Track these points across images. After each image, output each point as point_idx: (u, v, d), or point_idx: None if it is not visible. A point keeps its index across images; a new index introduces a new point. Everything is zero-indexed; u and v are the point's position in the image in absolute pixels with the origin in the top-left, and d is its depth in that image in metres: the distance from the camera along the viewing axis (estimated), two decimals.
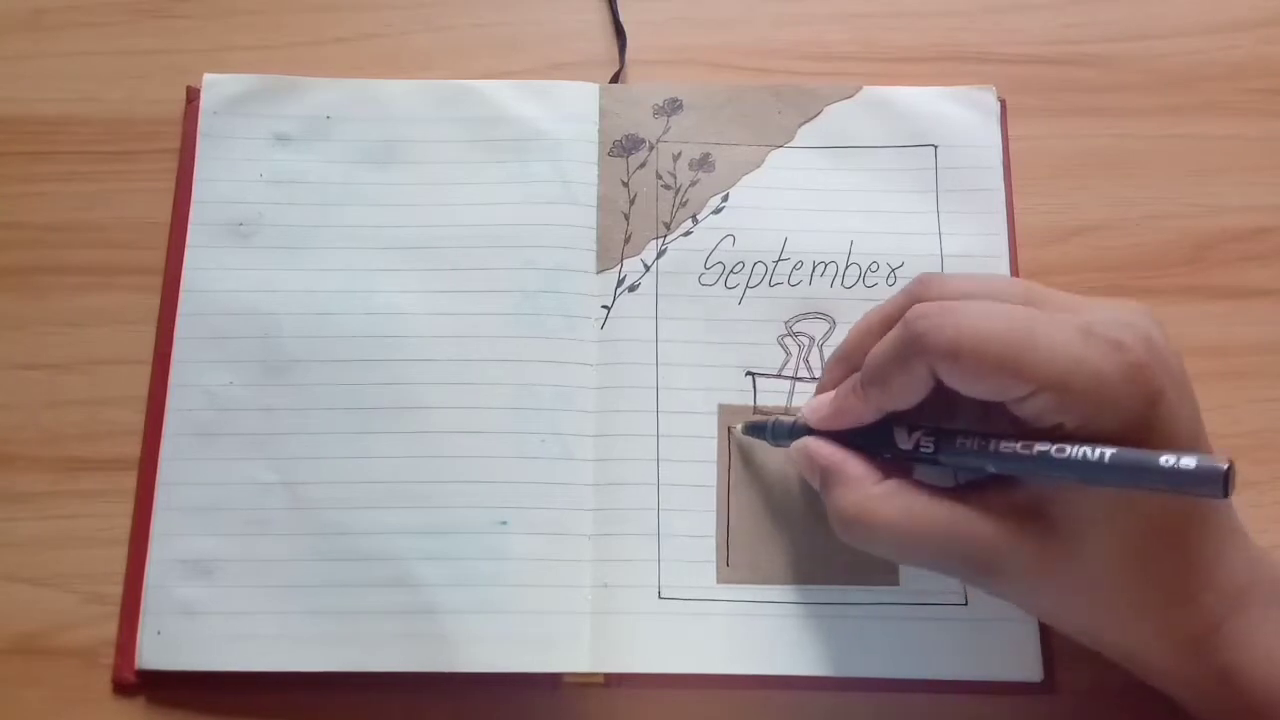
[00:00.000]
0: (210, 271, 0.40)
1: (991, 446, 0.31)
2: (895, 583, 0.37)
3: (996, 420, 0.31)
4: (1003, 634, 0.36)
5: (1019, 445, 0.30)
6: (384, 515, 0.37)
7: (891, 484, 0.32)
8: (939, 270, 0.40)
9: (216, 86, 0.43)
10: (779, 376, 0.39)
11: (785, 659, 0.36)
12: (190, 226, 0.41)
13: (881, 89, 0.43)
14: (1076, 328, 0.29)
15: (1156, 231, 0.42)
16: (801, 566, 0.37)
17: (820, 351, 0.40)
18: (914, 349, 0.30)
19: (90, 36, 0.45)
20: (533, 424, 0.38)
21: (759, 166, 0.42)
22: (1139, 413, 0.29)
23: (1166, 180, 0.43)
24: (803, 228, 0.41)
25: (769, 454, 0.38)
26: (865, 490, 0.32)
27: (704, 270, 0.41)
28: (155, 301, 0.41)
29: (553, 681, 0.36)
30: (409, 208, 0.41)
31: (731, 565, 0.37)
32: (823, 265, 0.41)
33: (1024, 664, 0.36)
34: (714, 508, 0.38)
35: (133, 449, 0.39)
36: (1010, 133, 0.43)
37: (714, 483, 0.38)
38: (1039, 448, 0.30)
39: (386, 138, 0.42)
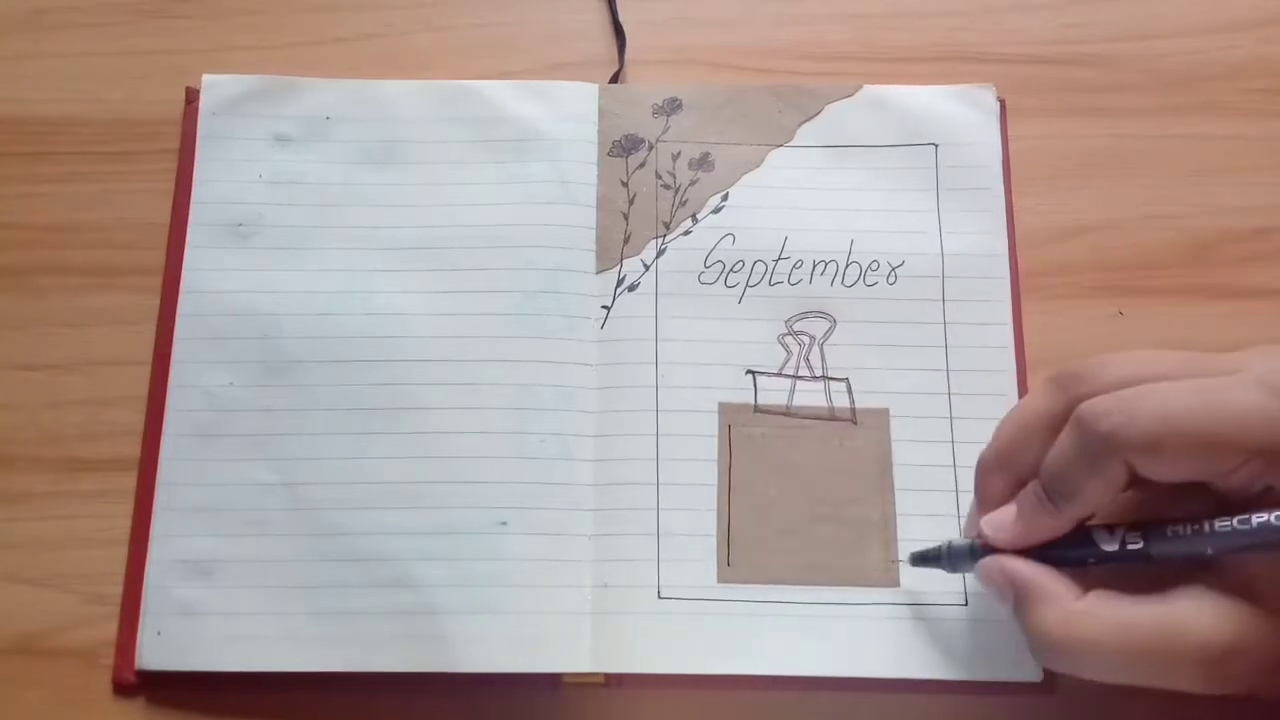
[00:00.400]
0: (210, 272, 0.40)
1: (1206, 528, 0.29)
2: (895, 583, 0.37)
3: (1178, 502, 0.31)
4: (1003, 634, 0.36)
5: (1235, 521, 0.29)
6: (384, 516, 0.37)
7: (1093, 596, 0.30)
8: (939, 268, 0.40)
9: (216, 87, 0.43)
10: (779, 375, 0.39)
11: (785, 659, 0.36)
12: (190, 227, 0.41)
13: (881, 88, 0.43)
14: (1259, 385, 0.28)
15: (1156, 231, 0.42)
16: (802, 566, 0.37)
17: (821, 350, 0.40)
18: (1105, 449, 0.29)
19: (90, 36, 0.45)
20: (533, 424, 0.38)
21: (759, 166, 0.42)
22: None
23: (1166, 180, 0.43)
24: (803, 226, 0.41)
25: (771, 453, 0.38)
26: (1067, 608, 0.30)
27: (704, 269, 0.41)
28: (155, 302, 0.41)
29: (553, 681, 0.36)
30: (409, 208, 0.41)
31: (732, 565, 0.37)
32: (823, 264, 0.41)
33: (1024, 664, 0.36)
34: (714, 507, 0.38)
35: (133, 449, 0.39)
36: (1010, 133, 0.43)
37: (714, 482, 0.38)
38: (1257, 519, 0.29)
39: (386, 138, 0.42)
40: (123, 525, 0.38)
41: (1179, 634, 0.29)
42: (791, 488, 0.38)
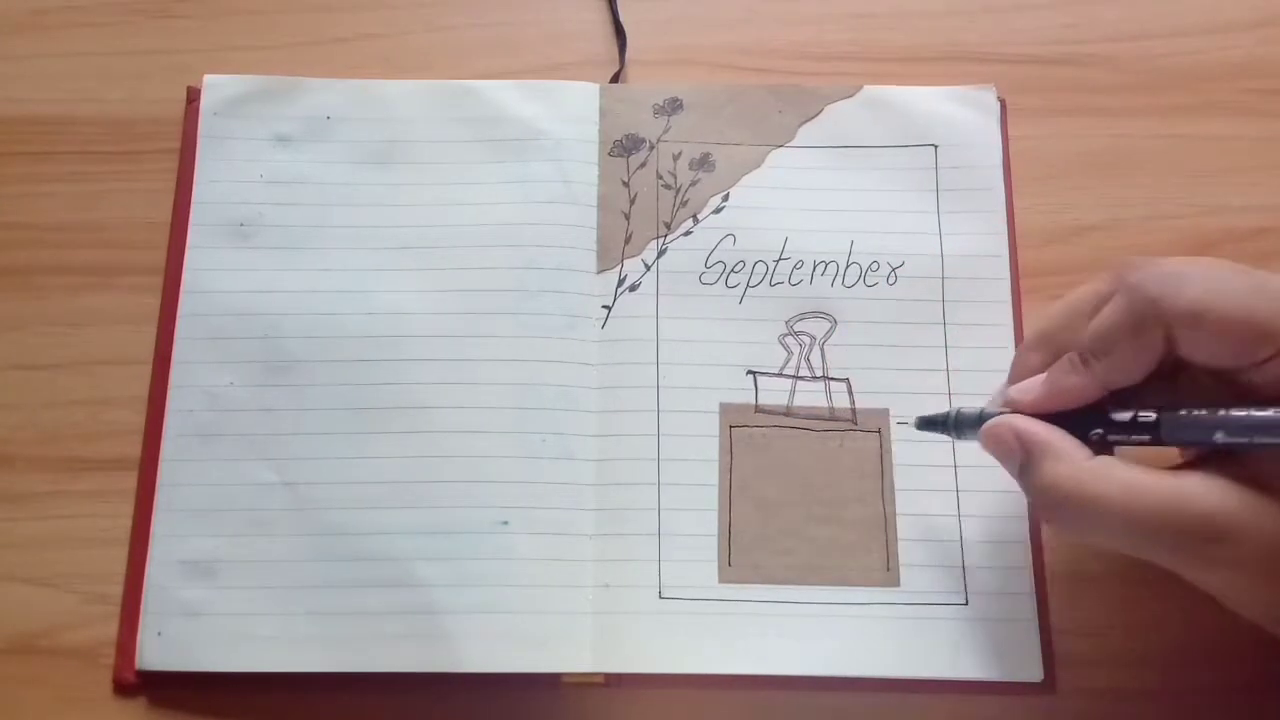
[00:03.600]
0: (210, 272, 0.40)
1: (1221, 413, 0.29)
2: (895, 583, 0.37)
3: (1205, 397, 0.31)
4: (1003, 634, 0.36)
5: (1253, 408, 0.29)
6: (385, 515, 0.37)
7: (1105, 459, 0.30)
8: (939, 269, 0.40)
9: (217, 87, 0.43)
10: (780, 375, 0.39)
11: (785, 659, 0.36)
12: (190, 227, 0.41)
13: (882, 88, 0.43)
14: None
15: (1156, 231, 0.42)
16: (802, 566, 0.37)
17: (821, 351, 0.40)
18: (1150, 314, 0.29)
19: (90, 36, 0.45)
20: (534, 424, 0.38)
21: (759, 166, 0.42)
22: None
23: (1166, 180, 0.43)
24: (803, 227, 0.41)
25: (771, 453, 0.38)
26: (1079, 464, 0.30)
27: (704, 270, 0.41)
28: (155, 301, 0.41)
29: (553, 681, 0.36)
30: (409, 208, 0.41)
31: (733, 565, 0.37)
32: (823, 264, 0.41)
33: (1024, 664, 0.36)
34: (715, 507, 0.38)
35: (133, 449, 0.39)
36: (1010, 133, 0.43)
37: (715, 482, 0.38)
38: (1275, 409, 0.28)
39: (387, 138, 0.42)
40: (123, 525, 0.38)
41: (1186, 503, 0.29)
42: (792, 488, 0.38)
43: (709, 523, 0.38)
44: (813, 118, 0.43)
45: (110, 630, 0.37)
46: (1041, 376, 0.32)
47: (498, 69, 0.44)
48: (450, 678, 0.36)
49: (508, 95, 0.43)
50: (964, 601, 0.37)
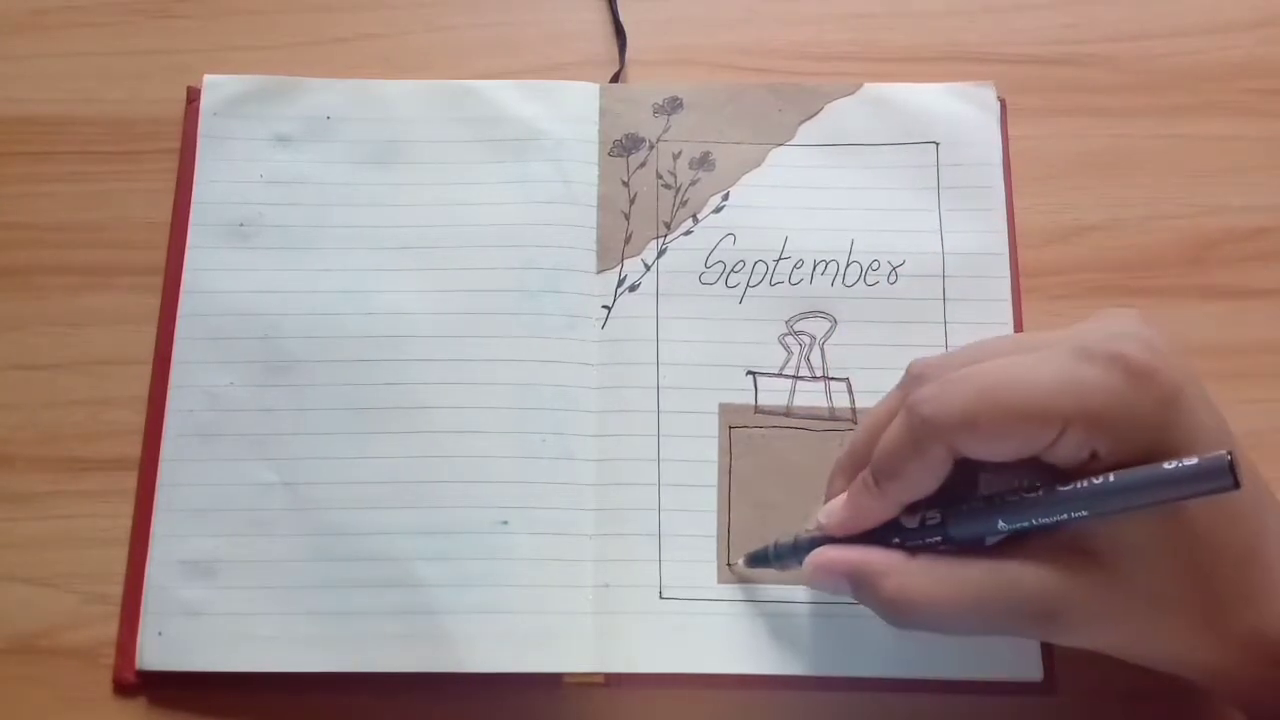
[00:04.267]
0: (210, 272, 0.40)
1: (996, 502, 0.30)
2: None
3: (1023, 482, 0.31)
4: None
5: (1024, 493, 0.29)
6: (385, 515, 0.37)
7: (923, 559, 0.31)
8: (940, 267, 0.40)
9: (217, 87, 0.43)
10: (780, 375, 0.39)
11: (785, 659, 0.36)
12: (190, 227, 0.41)
13: (882, 86, 0.43)
14: (1072, 353, 0.29)
15: (1156, 231, 0.42)
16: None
17: (822, 350, 0.40)
18: (927, 432, 0.29)
19: (90, 36, 0.45)
20: (534, 424, 0.38)
21: (759, 165, 0.42)
22: (1159, 416, 0.28)
23: (1166, 180, 0.43)
24: (803, 226, 0.41)
25: (771, 453, 0.38)
26: (898, 572, 0.31)
27: (704, 269, 0.41)
28: (155, 301, 0.41)
29: (553, 681, 0.36)
30: (409, 208, 0.41)
31: (733, 565, 0.37)
32: (824, 264, 0.41)
33: (1024, 664, 0.36)
34: (715, 508, 0.38)
35: (133, 449, 0.39)
36: (1010, 132, 0.43)
37: (715, 482, 0.38)
38: (1043, 490, 0.29)
39: (387, 138, 0.42)
40: (123, 525, 0.38)
41: (1010, 587, 0.29)
42: (792, 488, 0.38)
43: (709, 523, 0.38)
44: (813, 116, 0.43)
45: (110, 630, 0.37)
46: (843, 498, 0.33)
47: (498, 69, 0.44)
48: (450, 678, 0.36)
49: (508, 95, 0.43)
50: None
